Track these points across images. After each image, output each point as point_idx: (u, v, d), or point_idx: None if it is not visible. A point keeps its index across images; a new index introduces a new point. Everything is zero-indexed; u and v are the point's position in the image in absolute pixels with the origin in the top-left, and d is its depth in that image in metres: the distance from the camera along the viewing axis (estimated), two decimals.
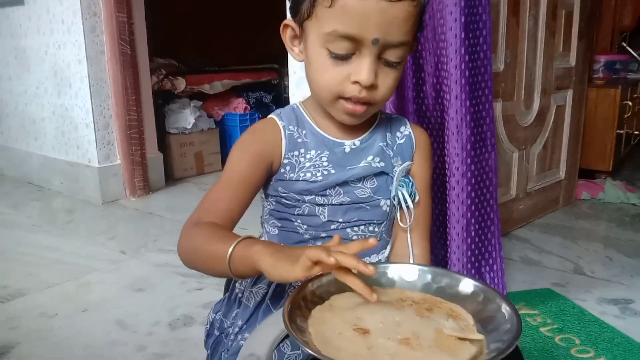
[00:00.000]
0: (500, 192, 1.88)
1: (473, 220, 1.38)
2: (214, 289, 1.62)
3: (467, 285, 0.61)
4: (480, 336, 0.53)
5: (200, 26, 3.90)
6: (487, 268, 1.43)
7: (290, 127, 0.76)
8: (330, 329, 0.53)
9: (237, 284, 0.84)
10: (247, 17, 4.05)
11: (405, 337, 0.52)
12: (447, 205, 1.38)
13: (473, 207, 1.36)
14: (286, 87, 3.50)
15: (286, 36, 0.75)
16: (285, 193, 0.75)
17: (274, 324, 0.62)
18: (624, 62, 3.07)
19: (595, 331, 1.36)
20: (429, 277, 0.64)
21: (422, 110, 1.44)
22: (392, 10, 0.64)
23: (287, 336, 0.63)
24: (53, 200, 2.71)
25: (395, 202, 0.77)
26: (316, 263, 0.54)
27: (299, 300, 0.56)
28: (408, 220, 0.79)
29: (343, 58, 0.67)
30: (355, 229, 0.77)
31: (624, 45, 3.47)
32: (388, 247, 0.81)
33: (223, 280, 0.93)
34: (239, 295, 0.83)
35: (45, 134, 2.85)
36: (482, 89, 1.33)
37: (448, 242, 1.41)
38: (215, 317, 0.86)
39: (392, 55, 0.67)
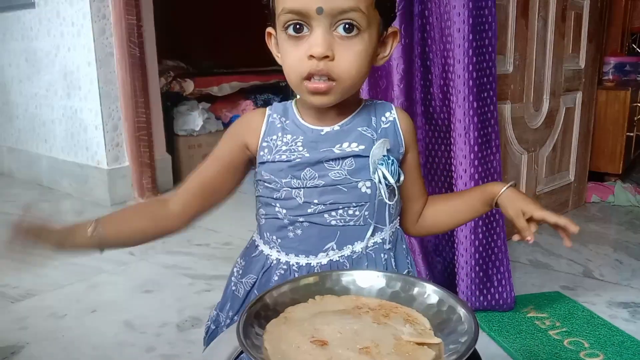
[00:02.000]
0: None
1: (480, 223, 1.38)
2: (221, 291, 1.61)
3: (421, 288, 0.61)
4: (437, 340, 0.53)
5: (208, 28, 3.92)
6: (495, 270, 1.43)
7: (275, 115, 0.79)
8: (287, 343, 0.52)
9: (232, 278, 0.85)
10: (256, 20, 4.05)
11: (365, 346, 0.51)
12: None
13: None
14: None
15: (271, 43, 0.78)
16: (267, 176, 0.76)
17: (227, 342, 0.62)
18: (634, 64, 3.05)
19: (604, 335, 1.35)
20: (383, 282, 0.63)
21: (429, 112, 1.44)
22: None
23: (241, 352, 0.62)
24: (62, 202, 2.73)
25: (376, 181, 0.75)
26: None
27: (252, 315, 0.55)
28: (389, 198, 0.77)
29: (298, 34, 0.69)
30: (333, 213, 0.75)
31: (634, 47, 3.45)
32: (370, 233, 0.77)
33: None
34: (233, 288, 0.84)
35: (55, 136, 2.87)
36: (488, 91, 1.33)
37: (455, 244, 1.40)
38: (214, 313, 0.87)
39: (343, 22, 0.68)
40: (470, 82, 1.27)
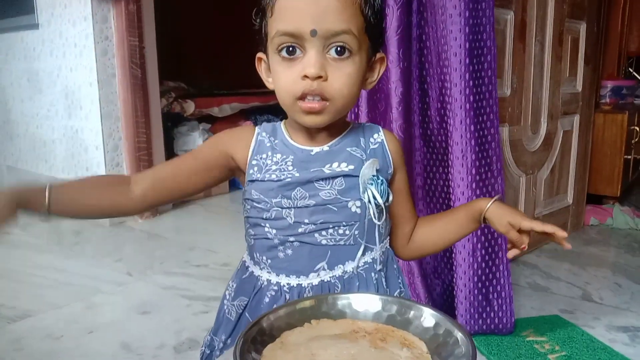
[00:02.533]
0: None
1: (479, 246, 1.38)
2: None
3: (417, 311, 0.61)
4: None
5: (209, 50, 3.96)
6: (495, 295, 1.42)
7: (264, 134, 0.80)
8: None
9: (224, 301, 0.85)
10: (257, 40, 4.10)
11: None
12: None
13: (479, 232, 1.36)
14: None
15: (261, 68, 0.81)
16: (257, 195, 0.77)
17: None
18: (630, 87, 3.08)
19: (604, 359, 1.34)
20: (379, 305, 0.63)
21: (427, 135, 1.45)
22: (323, 0, 0.68)
23: None
24: (61, 222, 2.72)
25: (366, 201, 0.76)
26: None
27: (248, 340, 0.54)
28: (378, 218, 0.77)
29: (291, 56, 0.71)
30: (324, 232, 0.76)
31: (631, 70, 3.48)
32: (361, 253, 0.78)
33: None
34: (225, 311, 0.83)
35: (55, 155, 2.88)
36: (487, 114, 1.34)
37: (454, 267, 1.40)
38: (208, 337, 0.86)
39: (336, 44, 0.70)
40: (467, 105, 1.29)
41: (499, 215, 0.79)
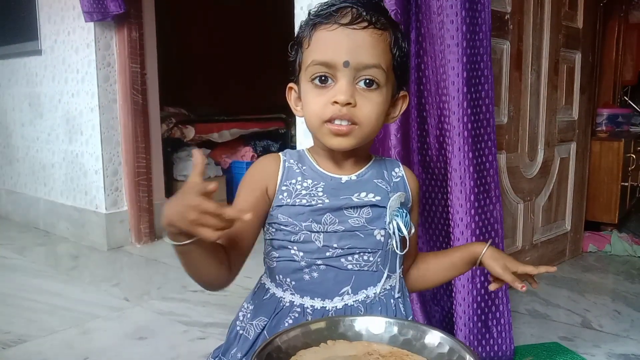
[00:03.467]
0: (506, 243, 1.88)
1: (478, 272, 1.38)
2: (216, 339, 1.60)
3: (433, 337, 0.61)
4: None
5: (210, 77, 4.01)
6: (495, 322, 1.41)
7: (291, 161, 0.83)
8: None
9: (237, 322, 0.85)
10: (256, 68, 4.16)
11: None
12: None
13: None
14: (293, 136, 3.57)
15: (291, 98, 0.84)
16: (284, 219, 0.79)
17: None
18: (626, 115, 3.12)
19: None
20: (395, 329, 0.64)
21: (426, 162, 1.46)
22: (357, 36, 0.74)
23: None
24: (58, 246, 2.71)
25: (391, 232, 0.79)
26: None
27: (263, 357, 0.55)
28: (402, 248, 0.81)
29: (324, 84, 0.75)
30: (350, 257, 0.79)
31: (626, 99, 3.53)
32: (384, 280, 0.81)
33: (226, 330, 0.93)
34: (240, 331, 0.84)
35: (54, 179, 2.88)
36: (486, 142, 1.35)
37: (454, 294, 1.40)
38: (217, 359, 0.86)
39: (365, 77, 0.75)
40: (465, 133, 1.30)
41: (496, 258, 0.85)
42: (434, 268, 0.92)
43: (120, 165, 2.61)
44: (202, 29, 3.93)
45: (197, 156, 0.68)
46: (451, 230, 1.36)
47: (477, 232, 1.34)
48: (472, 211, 1.32)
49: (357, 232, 0.79)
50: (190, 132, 3.17)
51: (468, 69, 1.29)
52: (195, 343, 1.60)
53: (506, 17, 1.81)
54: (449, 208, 1.36)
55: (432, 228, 1.49)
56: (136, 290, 2.05)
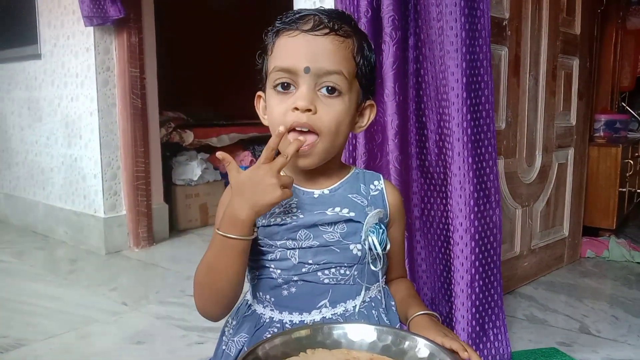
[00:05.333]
0: (504, 248, 1.88)
1: (477, 277, 1.38)
2: (214, 343, 1.59)
3: (412, 342, 0.61)
4: None
5: (209, 81, 4.01)
6: (491, 325, 1.42)
7: None
8: None
9: (223, 337, 0.86)
10: (255, 73, 4.16)
11: None
12: (451, 260, 1.38)
13: (477, 263, 1.36)
14: None
15: (259, 107, 0.85)
16: (261, 239, 0.78)
17: None
18: (624, 121, 3.13)
19: None
20: (374, 335, 0.64)
21: (425, 166, 1.47)
22: (318, 42, 0.74)
23: None
24: (56, 250, 2.71)
25: (366, 247, 0.79)
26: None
27: None
28: (378, 264, 0.81)
29: (286, 90, 0.75)
30: (327, 272, 0.78)
31: (624, 105, 3.54)
32: (364, 292, 0.80)
33: None
34: (223, 347, 0.84)
35: (53, 183, 2.88)
36: (486, 147, 1.36)
37: (452, 298, 1.40)
38: None
39: (327, 84, 0.74)
40: (465, 138, 1.31)
41: (422, 327, 0.76)
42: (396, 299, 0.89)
43: (119, 170, 2.62)
44: (201, 34, 3.93)
45: (224, 155, 0.74)
46: (450, 235, 1.37)
47: (477, 237, 1.34)
48: (472, 216, 1.33)
49: (332, 247, 0.78)
50: (189, 137, 3.18)
51: (467, 74, 1.29)
52: (193, 347, 1.60)
53: (504, 23, 1.82)
54: (449, 213, 1.37)
55: (430, 233, 1.50)
56: (134, 294, 2.05)
